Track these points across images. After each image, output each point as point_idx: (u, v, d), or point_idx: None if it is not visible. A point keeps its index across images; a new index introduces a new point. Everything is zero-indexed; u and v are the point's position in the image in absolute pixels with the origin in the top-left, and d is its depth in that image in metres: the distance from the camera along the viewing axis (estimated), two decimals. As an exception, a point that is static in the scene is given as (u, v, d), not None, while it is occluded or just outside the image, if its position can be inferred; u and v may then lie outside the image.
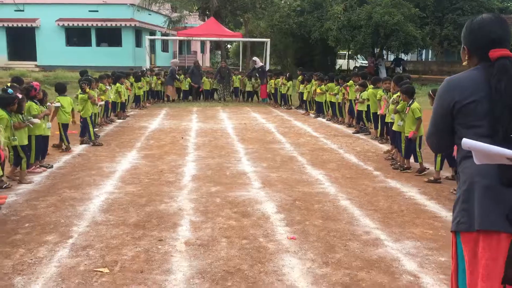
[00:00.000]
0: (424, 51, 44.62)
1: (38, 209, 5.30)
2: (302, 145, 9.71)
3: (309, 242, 4.48)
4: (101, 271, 3.80)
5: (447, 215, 5.26)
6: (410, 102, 7.08)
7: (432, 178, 6.72)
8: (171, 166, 7.64)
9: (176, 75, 18.42)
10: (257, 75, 19.04)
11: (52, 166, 7.41)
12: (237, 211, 5.39)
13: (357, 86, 10.91)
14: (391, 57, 39.65)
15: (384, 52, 34.04)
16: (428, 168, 7.23)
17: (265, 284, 3.61)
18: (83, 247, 4.29)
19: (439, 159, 6.67)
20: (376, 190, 6.33)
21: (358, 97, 10.67)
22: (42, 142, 7.35)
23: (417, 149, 7.14)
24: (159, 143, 9.81)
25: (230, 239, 4.53)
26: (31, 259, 4.02)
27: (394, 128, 7.61)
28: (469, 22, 2.31)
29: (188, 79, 18.85)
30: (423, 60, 46.47)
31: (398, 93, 7.70)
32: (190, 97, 19.23)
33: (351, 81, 11.90)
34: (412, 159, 7.42)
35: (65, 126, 8.59)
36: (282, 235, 4.66)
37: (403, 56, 39.05)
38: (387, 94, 8.75)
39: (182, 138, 10.44)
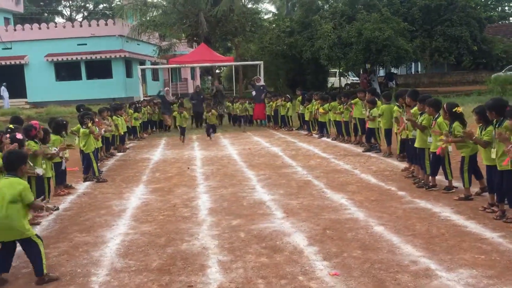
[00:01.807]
0: (413, 64, 44.85)
1: (50, 259, 4.85)
2: (314, 167, 9.36)
3: (354, 277, 4.08)
4: (133, 329, 3.38)
5: (493, 235, 4.90)
6: (436, 116, 6.74)
7: (462, 196, 6.37)
8: (183, 200, 7.23)
9: (169, 102, 18.64)
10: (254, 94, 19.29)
11: (58, 208, 6.98)
12: (266, 245, 4.99)
13: (366, 103, 10.62)
14: (381, 72, 39.76)
15: (375, 67, 34.09)
16: (457, 187, 6.85)
17: (321, 332, 3.21)
18: (107, 301, 3.87)
19: (466, 175, 6.32)
20: (407, 212, 5.96)
21: (368, 114, 10.36)
22: (43, 184, 6.91)
23: (447, 166, 6.78)
24: (166, 175, 9.41)
25: (267, 279, 4.12)
26: (52, 320, 3.59)
27: (416, 145, 7.26)
28: None
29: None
30: (413, 73, 46.68)
31: (415, 108, 7.40)
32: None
33: (356, 99, 11.63)
34: (438, 177, 7.06)
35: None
36: (322, 271, 4.26)
37: (393, 70, 39.13)
38: (403, 109, 8.42)
39: (189, 168, 10.05)
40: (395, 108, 8.97)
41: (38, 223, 6.10)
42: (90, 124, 9.01)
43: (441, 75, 41.27)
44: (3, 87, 29.29)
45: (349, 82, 39.79)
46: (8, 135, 5.77)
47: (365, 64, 30.13)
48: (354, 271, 4.22)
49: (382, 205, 6.35)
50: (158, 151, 13.09)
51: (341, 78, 38.73)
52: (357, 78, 37.07)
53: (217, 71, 42.95)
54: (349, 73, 39.59)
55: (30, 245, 4.25)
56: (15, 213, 4.15)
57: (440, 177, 7.12)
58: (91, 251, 5.10)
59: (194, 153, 12.27)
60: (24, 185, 4.31)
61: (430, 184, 7.06)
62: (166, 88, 19.73)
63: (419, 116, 7.28)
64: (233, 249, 4.96)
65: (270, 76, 35.65)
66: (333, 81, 39.15)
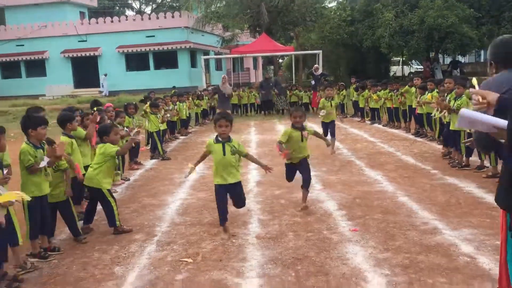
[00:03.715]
0: (482, 52, 43.39)
1: (124, 215, 5.93)
2: (359, 150, 10.01)
3: (370, 233, 4.84)
4: (186, 261, 4.34)
5: (505, 205, 5.44)
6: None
7: (490, 174, 6.86)
8: (236, 174, 8.17)
9: (226, 95, 16.65)
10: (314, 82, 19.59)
11: (129, 179, 8.15)
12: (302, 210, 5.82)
13: (418, 89, 11.06)
14: (448, 60, 38.85)
15: (440, 55, 33.54)
16: (488, 166, 7.32)
17: (331, 267, 4.02)
18: (167, 243, 4.86)
19: (493, 154, 6.79)
20: (433, 187, 6.57)
21: (419, 100, 10.78)
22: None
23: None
24: (222, 154, 10.40)
25: (297, 232, 4.96)
26: (125, 253, 4.63)
27: (451, 127, 7.74)
28: (494, 42, 2.81)
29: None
30: (482, 61, 45.15)
31: (453, 93, 7.87)
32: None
33: (406, 87, 12.08)
34: (472, 157, 7.55)
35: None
36: (344, 228, 5.04)
37: (460, 58, 38.19)
38: (446, 96, 8.84)
39: (243, 149, 10.99)
40: (434, 93, 9.43)
41: (114, 192, 7.24)
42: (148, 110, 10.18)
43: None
44: (103, 76, 31.72)
45: (412, 70, 39.28)
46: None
47: (427, 52, 29.80)
48: (371, 228, 4.97)
49: (412, 181, 6.97)
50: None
51: (404, 66, 38.37)
52: (421, 67, 36.55)
53: (280, 60, 43.79)
54: (413, 61, 39.12)
55: (105, 200, 5.31)
56: (97, 168, 5.26)
57: (475, 158, 7.61)
58: (156, 210, 6.16)
59: (250, 137, 13.22)
60: (101, 147, 5.38)
61: (464, 163, 7.56)
62: (223, 76, 17.30)
63: (453, 100, 7.75)
64: (273, 211, 5.83)
65: (331, 65, 36.01)
66: (396, 69, 38.85)
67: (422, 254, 4.18)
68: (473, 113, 2.38)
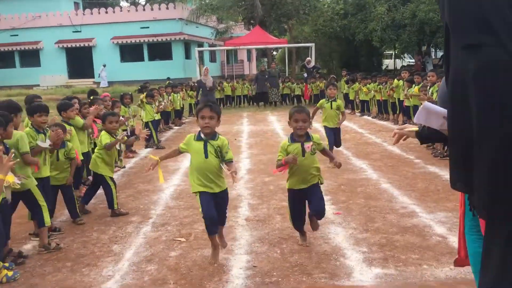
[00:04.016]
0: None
1: (120, 199, 6.21)
2: (347, 140, 10.34)
3: (352, 216, 5.17)
4: (180, 240, 4.65)
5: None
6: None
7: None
8: (228, 163, 8.48)
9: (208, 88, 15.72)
10: (306, 75, 19.91)
11: (125, 167, 8.44)
12: (289, 195, 6.14)
13: (405, 82, 11.39)
14: (440, 54, 39.25)
15: (432, 49, 33.91)
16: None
17: (314, 245, 4.35)
18: (162, 224, 5.18)
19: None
20: (415, 175, 6.91)
21: (406, 93, 11.11)
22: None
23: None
24: (215, 144, 10.71)
25: (284, 215, 5.28)
26: (122, 234, 4.94)
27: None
28: None
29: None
30: (473, 55, 45.52)
31: (435, 86, 8.20)
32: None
33: (395, 81, 12.42)
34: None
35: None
36: (328, 211, 5.35)
37: (451, 52, 38.49)
38: (429, 88, 9.19)
39: (236, 139, 11.31)
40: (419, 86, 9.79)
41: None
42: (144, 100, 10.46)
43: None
44: (102, 67, 31.82)
45: (405, 64, 39.65)
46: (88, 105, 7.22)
47: (419, 46, 30.15)
48: (353, 211, 5.31)
49: (396, 169, 7.32)
50: (211, 125, 14.44)
51: (397, 60, 38.72)
52: (413, 60, 36.93)
53: (274, 52, 44.02)
54: (405, 55, 39.48)
55: (106, 185, 5.62)
56: (99, 155, 5.60)
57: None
58: (151, 195, 6.46)
59: (242, 128, 13.53)
60: (101, 135, 5.71)
61: (445, 153, 7.91)
62: (205, 67, 16.22)
63: (436, 93, 8.09)
64: (262, 196, 6.15)
65: (324, 58, 36.30)
66: (388, 63, 39.20)
67: (398, 234, 4.52)
68: (434, 107, 2.47)
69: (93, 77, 34.13)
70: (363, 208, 5.41)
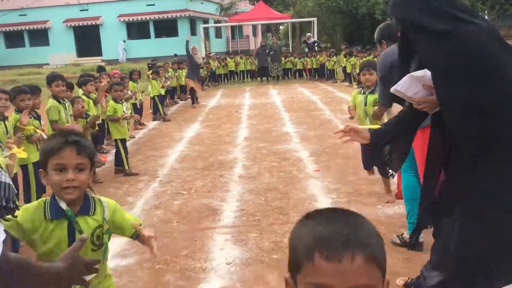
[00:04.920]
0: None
1: (131, 163, 7.10)
2: (340, 110, 11.13)
3: (330, 172, 6.03)
4: (182, 193, 5.54)
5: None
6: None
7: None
8: (228, 132, 9.35)
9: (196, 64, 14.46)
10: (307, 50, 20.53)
11: (134, 137, 9.33)
12: (279, 157, 7.01)
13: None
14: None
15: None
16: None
17: (293, 194, 5.23)
18: (167, 182, 6.07)
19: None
20: (393, 139, 7.71)
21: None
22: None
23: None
24: (217, 116, 11.56)
25: (272, 172, 6.16)
26: (134, 189, 5.84)
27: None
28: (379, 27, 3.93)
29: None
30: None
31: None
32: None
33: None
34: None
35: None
36: (310, 169, 6.23)
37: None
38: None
39: (237, 112, 12.14)
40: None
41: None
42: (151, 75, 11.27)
43: (508, 27, 40.17)
44: (121, 42, 32.52)
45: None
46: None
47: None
48: (331, 169, 6.16)
49: (377, 135, 8.11)
50: (215, 99, 15.28)
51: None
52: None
53: (280, 27, 44.35)
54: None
55: (116, 148, 6.53)
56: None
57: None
58: (158, 159, 7.35)
59: (244, 101, 14.34)
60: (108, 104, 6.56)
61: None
62: (192, 46, 14.40)
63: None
64: (255, 158, 7.02)
65: (328, 32, 36.64)
66: (392, 36, 39.42)
67: (365, 185, 5.37)
68: (420, 73, 2.27)
69: (101, 55, 34.85)
70: (340, 166, 6.26)
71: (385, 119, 4.03)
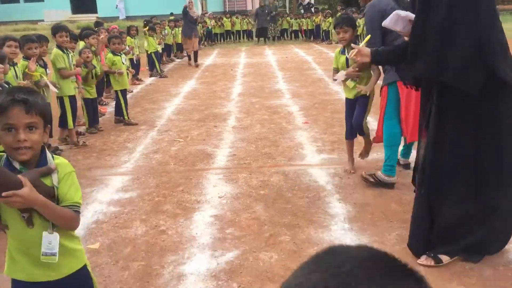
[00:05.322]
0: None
1: (131, 114, 7.46)
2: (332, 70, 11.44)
3: (317, 124, 6.44)
4: (179, 140, 5.95)
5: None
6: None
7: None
8: (222, 88, 9.69)
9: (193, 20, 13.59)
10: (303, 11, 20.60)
11: (132, 91, 9.65)
12: (270, 111, 7.39)
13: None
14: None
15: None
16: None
17: (281, 142, 5.64)
18: (165, 131, 6.47)
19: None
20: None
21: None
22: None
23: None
24: (213, 74, 11.87)
25: (263, 124, 6.56)
26: (134, 137, 6.24)
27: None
28: None
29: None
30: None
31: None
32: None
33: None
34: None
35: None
36: (299, 121, 6.63)
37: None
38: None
39: (232, 70, 12.43)
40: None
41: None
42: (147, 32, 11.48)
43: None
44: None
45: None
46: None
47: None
48: (319, 122, 6.56)
49: (365, 92, 8.49)
50: (211, 58, 15.52)
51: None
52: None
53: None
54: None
55: (117, 98, 6.89)
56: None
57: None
58: (155, 111, 7.72)
59: (239, 60, 14.60)
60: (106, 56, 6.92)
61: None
62: (189, 0, 13.47)
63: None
64: (247, 112, 7.40)
65: (326, -8, 36.46)
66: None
67: (349, 135, 5.78)
68: (404, 12, 2.92)
69: (96, 12, 34.54)
70: (327, 119, 6.67)
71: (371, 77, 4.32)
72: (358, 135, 4.63)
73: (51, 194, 1.72)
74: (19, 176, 1.61)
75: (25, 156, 1.69)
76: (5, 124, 1.66)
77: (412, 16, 2.86)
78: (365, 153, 4.79)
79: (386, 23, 3.01)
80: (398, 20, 2.92)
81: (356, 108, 4.47)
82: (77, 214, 1.78)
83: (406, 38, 3.05)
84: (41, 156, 1.77)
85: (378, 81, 4.32)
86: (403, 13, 2.91)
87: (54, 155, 1.81)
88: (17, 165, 1.72)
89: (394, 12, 2.96)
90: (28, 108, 1.66)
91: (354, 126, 4.53)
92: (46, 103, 1.84)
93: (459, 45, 2.63)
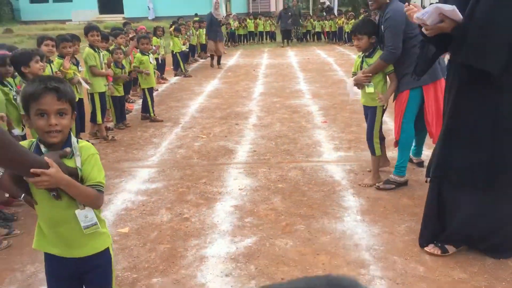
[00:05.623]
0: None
1: (156, 111, 7.78)
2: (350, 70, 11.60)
3: (335, 124, 6.64)
4: (202, 137, 6.22)
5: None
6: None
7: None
8: (245, 88, 9.95)
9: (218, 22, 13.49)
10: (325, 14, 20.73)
11: (157, 89, 9.99)
12: (290, 110, 7.62)
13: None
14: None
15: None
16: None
17: (300, 140, 5.86)
18: (189, 127, 6.75)
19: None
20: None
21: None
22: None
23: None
24: (235, 74, 12.14)
25: (283, 123, 6.79)
26: (159, 133, 6.54)
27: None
28: None
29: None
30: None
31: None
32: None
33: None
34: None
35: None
36: (318, 120, 6.84)
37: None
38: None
39: (254, 70, 12.68)
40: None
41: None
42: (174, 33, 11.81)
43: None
44: None
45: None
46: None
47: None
48: (337, 121, 6.76)
49: (385, 94, 8.65)
50: (234, 58, 15.80)
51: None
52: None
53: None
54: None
55: (144, 96, 7.20)
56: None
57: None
58: (180, 109, 8.02)
59: (262, 61, 14.85)
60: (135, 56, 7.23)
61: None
62: (216, 0, 13.54)
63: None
64: (268, 111, 7.64)
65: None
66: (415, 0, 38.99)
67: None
68: (443, 5, 2.78)
69: (122, 12, 35.21)
70: (346, 119, 6.86)
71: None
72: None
73: (75, 175, 1.85)
74: (44, 157, 1.75)
75: (56, 139, 1.84)
76: (37, 110, 1.81)
77: (447, 8, 2.75)
78: (373, 179, 4.44)
79: (419, 15, 2.88)
80: (433, 13, 2.79)
81: (368, 119, 4.53)
82: (101, 194, 1.92)
83: (425, 31, 2.93)
84: (67, 140, 1.90)
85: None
86: (447, 7, 2.76)
87: (78, 139, 1.96)
88: (43, 149, 1.88)
89: (434, 6, 2.80)
90: (59, 95, 1.82)
91: (367, 141, 4.54)
92: (73, 91, 2.00)
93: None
